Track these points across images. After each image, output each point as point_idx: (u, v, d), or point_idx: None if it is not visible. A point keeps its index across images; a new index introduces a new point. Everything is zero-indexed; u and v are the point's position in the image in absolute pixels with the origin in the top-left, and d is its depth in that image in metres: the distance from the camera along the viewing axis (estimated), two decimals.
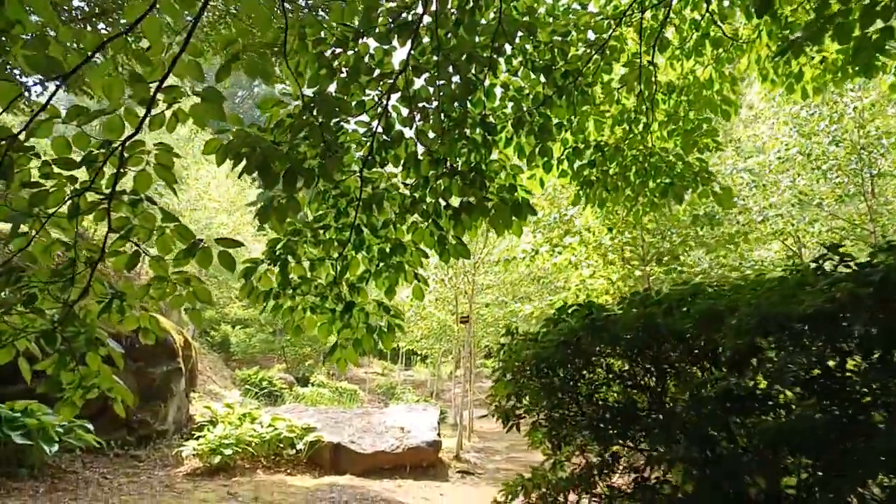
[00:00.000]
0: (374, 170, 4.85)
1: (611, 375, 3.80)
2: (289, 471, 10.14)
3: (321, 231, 5.25)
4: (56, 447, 7.61)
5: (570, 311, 4.04)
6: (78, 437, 8.08)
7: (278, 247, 5.15)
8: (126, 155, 3.25)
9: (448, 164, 4.82)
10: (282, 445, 10.63)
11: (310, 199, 5.02)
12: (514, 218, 4.67)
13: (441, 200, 4.87)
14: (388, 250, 5.12)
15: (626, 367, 3.83)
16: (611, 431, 3.63)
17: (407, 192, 5.01)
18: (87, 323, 3.75)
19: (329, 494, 8.56)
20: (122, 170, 3.21)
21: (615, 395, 3.83)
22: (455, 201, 4.81)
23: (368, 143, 4.73)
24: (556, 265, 9.40)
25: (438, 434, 11.04)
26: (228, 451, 9.51)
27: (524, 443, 13.16)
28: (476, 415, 26.00)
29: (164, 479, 8.94)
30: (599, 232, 7.29)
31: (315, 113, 3.97)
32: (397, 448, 10.34)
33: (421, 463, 10.45)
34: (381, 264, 5.25)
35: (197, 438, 10.07)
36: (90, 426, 8.45)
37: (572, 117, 5.94)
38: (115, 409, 3.90)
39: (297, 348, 29.80)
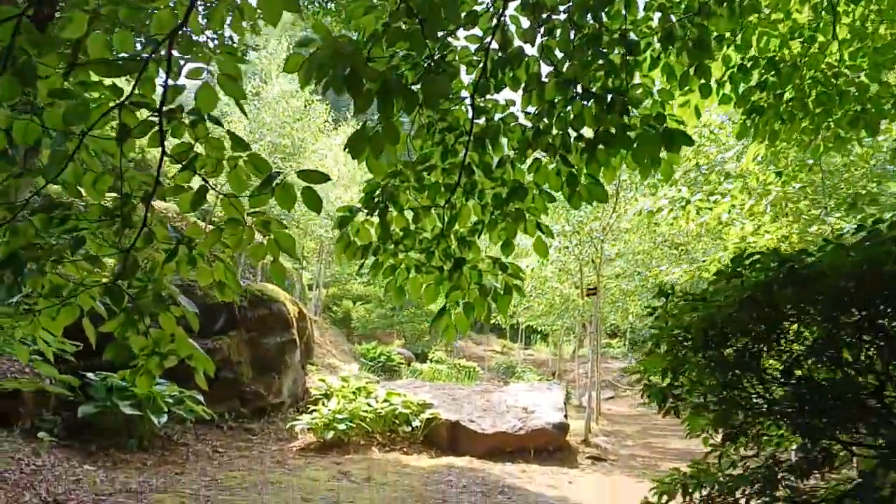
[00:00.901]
0: (488, 97, 4.05)
1: (814, 345, 2.82)
2: (404, 449, 9.70)
3: (425, 173, 4.54)
4: (165, 418, 7.52)
5: (749, 261, 3.07)
6: (188, 409, 7.97)
7: (377, 193, 4.48)
8: (179, 57, 2.67)
9: (579, 87, 3.93)
10: (397, 422, 10.21)
11: (411, 134, 4.30)
12: (663, 153, 3.76)
13: (570, 132, 4.03)
14: (504, 195, 4.33)
15: (835, 334, 2.83)
16: (817, 421, 2.67)
17: (528, 123, 4.17)
18: (153, 276, 3.24)
19: (446, 477, 8.00)
20: (173, 77, 2.62)
21: (821, 371, 2.85)
22: (589, 133, 3.96)
23: (481, 64, 3.94)
24: (701, 225, 8.25)
25: (565, 415, 10.19)
26: (342, 427, 9.19)
27: (657, 427, 12.05)
28: (601, 396, 24.82)
29: (277, 454, 8.74)
30: (765, 178, 6.12)
31: (417, 21, 3.21)
32: (520, 429, 9.63)
33: (546, 446, 9.68)
34: (497, 212, 4.46)
35: (311, 412, 9.84)
36: (200, 397, 8.34)
37: (736, 29, 4.86)
38: (197, 380, 3.42)
39: (416, 324, 29.92)
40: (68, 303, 3.27)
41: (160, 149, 2.70)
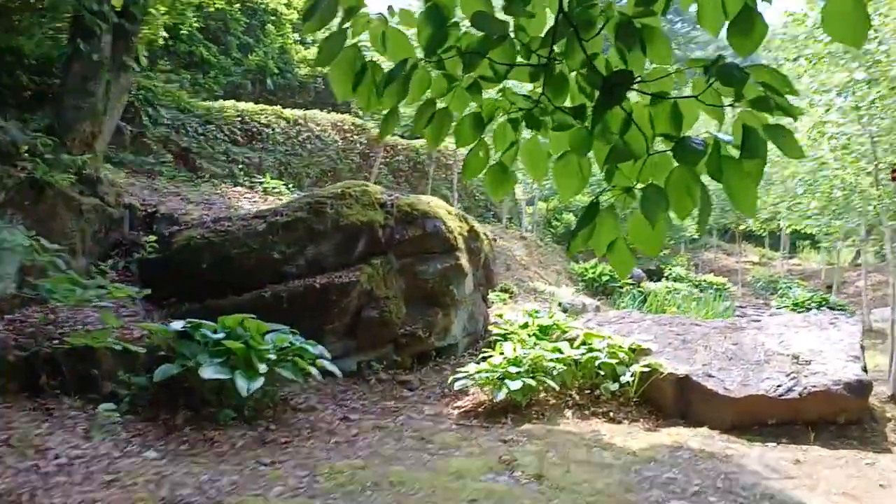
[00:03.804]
0: None
1: None
2: (610, 413, 7.29)
3: None
4: (259, 382, 5.84)
5: None
6: (296, 369, 6.26)
7: None
8: None
9: None
10: (602, 373, 7.80)
11: None
12: None
13: None
14: None
15: None
16: None
17: None
18: None
19: (666, 471, 5.48)
20: None
21: None
22: None
23: None
24: None
25: (864, 367, 6.97)
26: (516, 385, 6.97)
27: None
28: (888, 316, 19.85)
29: (428, 422, 6.82)
30: None
31: None
32: (789, 391, 6.65)
33: (832, 417, 6.62)
34: None
35: (479, 361, 7.77)
36: (321, 349, 6.62)
37: None
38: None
39: None
40: None
41: None
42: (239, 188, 12.63)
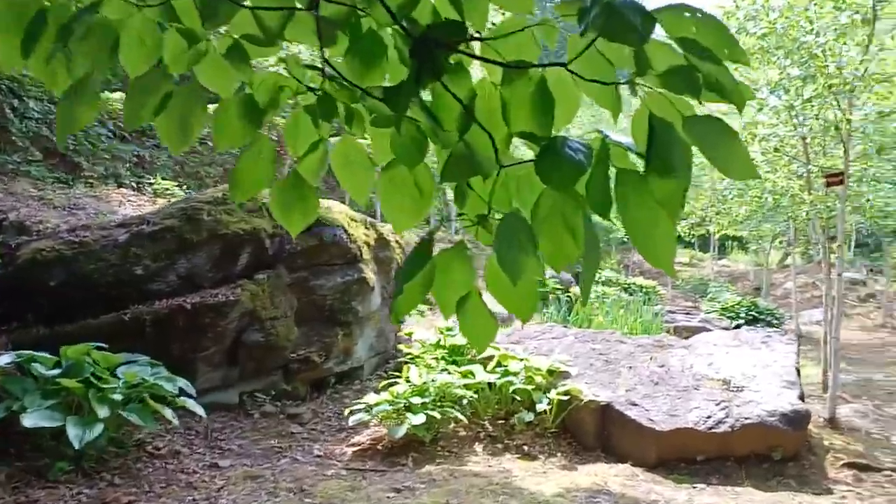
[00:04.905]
0: None
1: None
2: (525, 446, 6.58)
3: None
4: (98, 430, 4.87)
5: None
6: (145, 412, 5.30)
7: None
8: None
9: None
10: (518, 399, 7.09)
11: None
12: None
13: None
14: None
15: None
16: None
17: None
18: None
19: None
20: None
21: None
22: None
23: None
24: None
25: (801, 395, 6.44)
26: (419, 419, 6.19)
27: None
28: (818, 318, 19.98)
29: (312, 469, 5.94)
30: None
31: None
32: (719, 423, 6.05)
33: (768, 451, 6.06)
34: None
35: (381, 391, 6.95)
36: (184, 383, 5.67)
37: None
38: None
39: None
40: None
41: None
42: (123, 190, 11.43)
